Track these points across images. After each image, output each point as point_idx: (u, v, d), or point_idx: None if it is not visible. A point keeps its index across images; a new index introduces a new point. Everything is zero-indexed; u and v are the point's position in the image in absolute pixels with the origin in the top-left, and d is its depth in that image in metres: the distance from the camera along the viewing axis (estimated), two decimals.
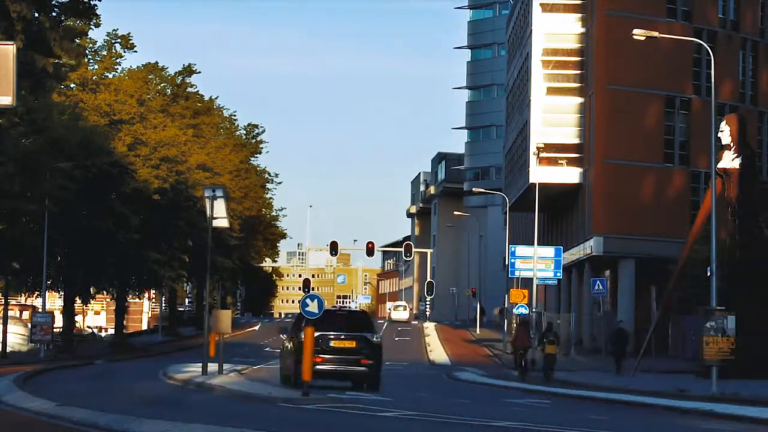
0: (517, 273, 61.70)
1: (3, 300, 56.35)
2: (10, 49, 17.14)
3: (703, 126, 60.46)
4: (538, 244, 60.11)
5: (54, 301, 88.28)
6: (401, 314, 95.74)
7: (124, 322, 71.46)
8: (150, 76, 67.53)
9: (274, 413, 22.82)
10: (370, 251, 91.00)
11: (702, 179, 65.33)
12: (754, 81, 70.25)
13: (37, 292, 63.75)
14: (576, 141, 70.85)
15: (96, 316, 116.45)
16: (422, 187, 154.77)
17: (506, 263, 66.92)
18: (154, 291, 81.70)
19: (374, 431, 19.94)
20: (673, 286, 46.66)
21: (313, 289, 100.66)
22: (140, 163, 58.20)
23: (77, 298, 62.67)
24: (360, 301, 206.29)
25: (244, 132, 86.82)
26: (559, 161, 69.19)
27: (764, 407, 26.64)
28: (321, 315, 26.65)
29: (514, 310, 64.37)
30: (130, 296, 78.78)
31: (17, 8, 33.14)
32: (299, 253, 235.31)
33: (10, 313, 60.88)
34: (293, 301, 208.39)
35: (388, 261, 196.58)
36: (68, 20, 40.92)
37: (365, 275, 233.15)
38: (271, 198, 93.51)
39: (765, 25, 71.11)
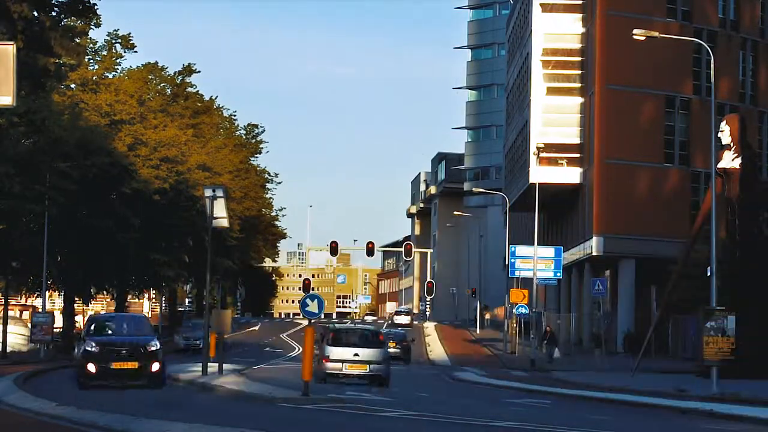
0: (517, 273, 61.66)
1: (3, 300, 56.35)
2: (10, 49, 17.13)
3: (703, 126, 60.48)
4: (538, 244, 60.08)
5: (54, 301, 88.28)
6: (403, 319, 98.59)
7: None
8: (150, 76, 67.55)
9: (274, 413, 22.81)
10: (370, 251, 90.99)
11: (702, 179, 65.35)
12: (754, 81, 70.27)
13: (37, 292, 63.75)
14: (576, 141, 70.87)
15: None
16: (422, 187, 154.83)
17: (506, 263, 66.91)
18: (154, 291, 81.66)
19: (374, 431, 19.94)
20: (673, 286, 46.66)
21: (313, 289, 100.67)
22: (140, 163, 58.20)
23: (77, 298, 62.68)
24: (360, 301, 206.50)
25: (244, 132, 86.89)
26: (559, 161, 69.22)
27: (764, 407, 26.64)
28: None
29: (513, 310, 64.43)
30: (130, 296, 78.79)
31: (17, 8, 33.14)
32: (299, 253, 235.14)
33: (10, 313, 60.85)
34: (293, 301, 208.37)
35: (388, 261, 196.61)
36: (68, 20, 40.93)
37: (365, 275, 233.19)
38: (271, 198, 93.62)
39: (765, 25, 71.12)
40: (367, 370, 32.52)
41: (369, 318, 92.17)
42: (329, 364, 32.44)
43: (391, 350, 50.11)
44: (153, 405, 23.43)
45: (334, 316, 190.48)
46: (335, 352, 32.53)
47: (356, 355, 32.35)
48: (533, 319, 61.35)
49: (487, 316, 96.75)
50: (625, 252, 66.21)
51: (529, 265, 59.62)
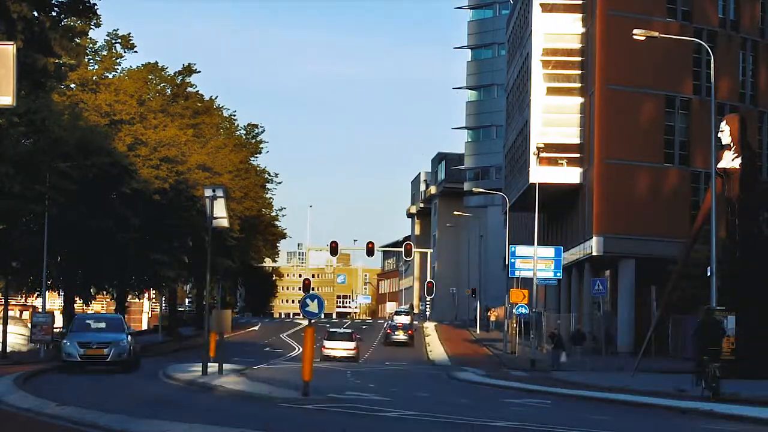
0: (517, 273, 61.68)
1: (3, 300, 56.33)
2: (10, 49, 17.14)
3: (703, 126, 60.50)
4: (538, 244, 60.09)
5: (54, 301, 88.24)
6: (402, 319, 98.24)
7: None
8: (150, 76, 67.45)
9: (274, 413, 22.82)
10: (370, 251, 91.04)
11: (702, 179, 65.35)
12: (754, 81, 70.28)
13: (37, 292, 63.70)
14: (576, 141, 70.88)
15: None
16: (422, 187, 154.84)
17: (506, 263, 66.92)
18: (154, 291, 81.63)
19: (374, 431, 19.95)
20: (673, 287, 46.67)
21: (313, 289, 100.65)
22: (140, 163, 58.18)
23: (77, 298, 62.64)
24: (360, 301, 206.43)
25: (244, 132, 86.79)
26: (559, 161, 69.23)
27: (764, 407, 26.64)
28: None
29: (513, 310, 64.38)
30: (130, 296, 78.74)
31: (17, 8, 33.13)
32: (299, 253, 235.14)
33: (10, 313, 60.84)
34: (293, 301, 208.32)
35: (388, 261, 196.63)
36: (68, 20, 40.91)
37: (365, 275, 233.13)
38: (271, 198, 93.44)
39: (765, 25, 71.13)
40: (345, 354, 56.34)
41: (403, 319, 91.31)
42: (326, 351, 56.69)
43: (400, 337, 73.87)
44: (152, 404, 23.42)
45: (334, 316, 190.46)
46: (329, 343, 57.61)
47: (340, 344, 57.17)
48: (533, 319, 61.35)
49: (493, 318, 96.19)
50: (625, 252, 66.20)
51: (529, 265, 59.63)
